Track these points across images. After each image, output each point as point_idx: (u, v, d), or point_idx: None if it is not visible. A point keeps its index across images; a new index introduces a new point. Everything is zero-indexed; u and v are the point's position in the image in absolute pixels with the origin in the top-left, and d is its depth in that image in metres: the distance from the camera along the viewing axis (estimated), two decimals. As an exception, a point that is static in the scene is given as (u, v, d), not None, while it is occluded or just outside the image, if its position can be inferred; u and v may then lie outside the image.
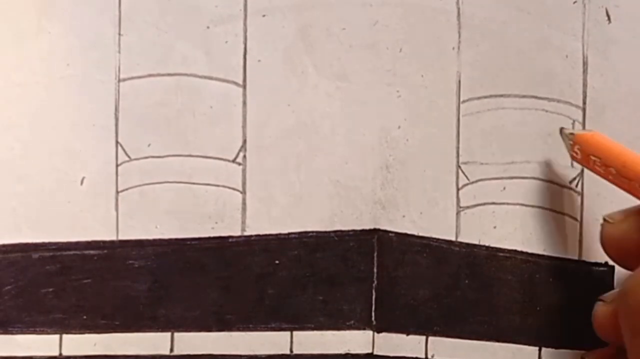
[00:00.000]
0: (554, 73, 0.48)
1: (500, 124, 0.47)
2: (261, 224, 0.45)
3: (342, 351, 0.44)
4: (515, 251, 0.47)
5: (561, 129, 0.46)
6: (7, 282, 0.45)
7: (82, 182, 0.45)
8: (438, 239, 0.46)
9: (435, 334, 0.45)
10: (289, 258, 0.45)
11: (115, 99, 0.46)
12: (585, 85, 0.48)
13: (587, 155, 0.44)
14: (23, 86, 0.46)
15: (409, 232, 0.45)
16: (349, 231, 0.45)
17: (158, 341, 0.45)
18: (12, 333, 0.45)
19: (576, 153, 0.45)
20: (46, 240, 0.45)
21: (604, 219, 0.43)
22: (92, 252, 0.45)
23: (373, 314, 0.44)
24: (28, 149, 0.45)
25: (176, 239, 0.46)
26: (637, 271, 0.36)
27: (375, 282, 0.44)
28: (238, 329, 0.45)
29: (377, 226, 0.45)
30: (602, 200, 0.47)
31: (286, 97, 0.46)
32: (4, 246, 0.45)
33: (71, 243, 0.46)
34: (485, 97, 0.47)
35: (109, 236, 0.46)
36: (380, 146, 0.45)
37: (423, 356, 0.45)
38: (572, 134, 0.45)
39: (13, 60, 0.46)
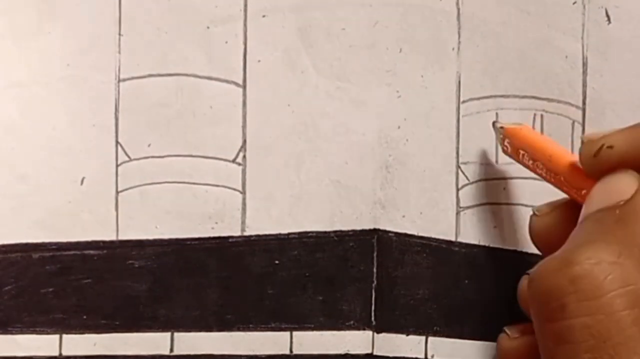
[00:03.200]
0: (554, 73, 0.47)
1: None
2: (261, 224, 0.44)
3: (341, 351, 0.43)
4: (515, 251, 0.46)
5: (493, 123, 0.45)
6: (7, 282, 0.44)
7: (82, 182, 0.45)
8: (438, 239, 0.45)
9: (435, 334, 0.45)
10: (289, 258, 0.44)
11: (115, 99, 0.45)
12: (585, 85, 0.47)
13: (517, 149, 0.43)
14: (23, 86, 0.45)
15: (408, 232, 0.45)
16: (348, 231, 0.44)
17: (158, 341, 0.44)
18: (12, 333, 0.44)
19: (506, 147, 0.44)
20: (46, 240, 0.44)
21: (533, 212, 0.43)
22: (92, 252, 0.45)
23: (373, 314, 0.44)
24: (28, 149, 0.45)
25: (176, 239, 0.45)
26: (545, 259, 0.35)
27: (375, 282, 0.44)
28: (238, 329, 0.44)
29: (377, 226, 0.44)
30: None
31: (286, 97, 0.45)
32: (4, 246, 0.44)
33: (71, 243, 0.45)
34: (485, 97, 0.46)
35: (109, 236, 0.45)
36: (380, 146, 0.44)
37: (423, 357, 0.45)
38: (502, 127, 0.44)
39: (13, 60, 0.45)
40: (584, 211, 0.37)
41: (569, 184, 0.40)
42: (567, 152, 0.42)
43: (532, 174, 0.44)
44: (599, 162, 0.38)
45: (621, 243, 0.34)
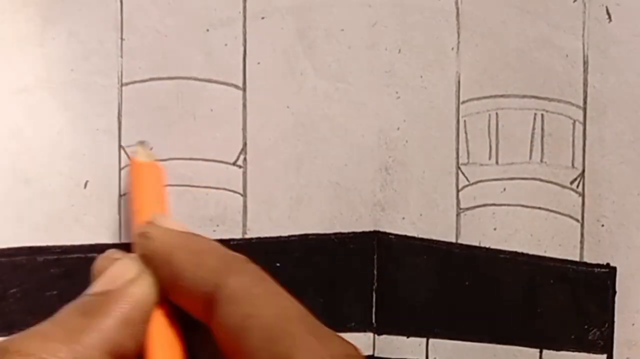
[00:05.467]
0: (554, 72, 0.46)
1: (500, 124, 0.45)
2: (262, 227, 0.44)
3: (342, 353, 0.42)
4: (516, 252, 0.46)
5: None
6: (12, 285, 0.44)
7: (85, 186, 0.44)
8: (438, 241, 0.45)
9: (435, 336, 0.45)
10: (290, 261, 0.44)
11: (118, 103, 0.44)
12: (585, 84, 0.46)
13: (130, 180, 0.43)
14: (27, 91, 0.44)
15: (408, 234, 0.44)
16: (349, 233, 0.44)
17: None
18: None
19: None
20: (50, 243, 0.44)
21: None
22: (95, 255, 0.44)
23: (373, 316, 0.44)
24: (32, 153, 0.44)
25: None
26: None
27: (376, 284, 0.44)
28: (239, 331, 0.43)
29: (377, 228, 0.44)
30: (603, 201, 0.46)
31: (285, 99, 0.44)
32: (8, 249, 0.44)
33: (75, 246, 0.44)
34: (485, 97, 0.45)
35: (112, 239, 0.44)
36: (379, 148, 0.44)
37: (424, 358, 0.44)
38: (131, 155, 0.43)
39: (18, 65, 0.44)
40: None
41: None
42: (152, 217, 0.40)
43: (532, 175, 0.44)
44: (137, 247, 0.38)
45: (69, 340, 0.33)
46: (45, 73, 0.44)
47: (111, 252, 0.39)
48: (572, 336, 0.45)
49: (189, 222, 0.43)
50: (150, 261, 0.37)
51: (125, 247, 0.43)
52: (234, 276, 0.35)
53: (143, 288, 0.36)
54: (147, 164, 0.43)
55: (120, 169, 0.44)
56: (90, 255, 0.44)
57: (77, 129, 0.44)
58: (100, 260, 0.39)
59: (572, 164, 0.46)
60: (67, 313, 0.35)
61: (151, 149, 0.44)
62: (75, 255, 0.44)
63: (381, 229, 0.44)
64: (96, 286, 0.36)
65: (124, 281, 0.36)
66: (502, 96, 0.45)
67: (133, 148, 0.43)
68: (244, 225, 0.44)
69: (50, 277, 0.44)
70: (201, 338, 0.37)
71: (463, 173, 0.45)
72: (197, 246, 0.37)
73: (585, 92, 0.46)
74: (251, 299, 0.34)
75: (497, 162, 0.45)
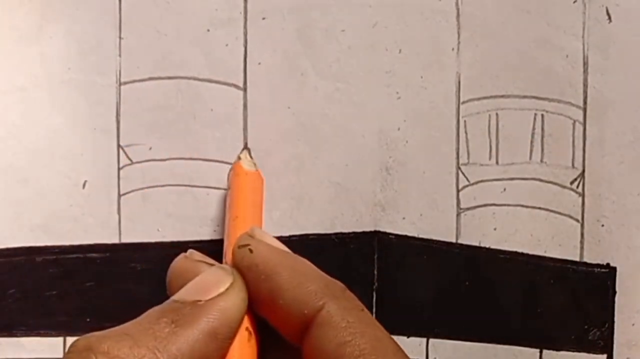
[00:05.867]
0: (554, 73, 0.46)
1: (500, 124, 0.45)
2: (262, 227, 0.43)
3: (343, 353, 0.42)
4: (516, 252, 0.45)
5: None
6: (11, 285, 0.44)
7: (84, 186, 0.44)
8: (438, 241, 0.45)
9: (435, 336, 0.44)
10: None
11: (116, 103, 0.44)
12: (585, 85, 0.46)
13: (230, 184, 0.43)
14: (25, 90, 0.44)
15: (409, 234, 0.44)
16: (349, 233, 0.44)
17: None
18: (17, 336, 0.44)
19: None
20: (49, 243, 0.44)
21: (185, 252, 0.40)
22: (94, 255, 0.44)
23: (374, 316, 0.42)
24: (30, 153, 0.44)
25: (178, 242, 0.44)
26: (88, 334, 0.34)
27: (376, 284, 0.44)
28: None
29: (377, 228, 0.44)
30: (603, 201, 0.46)
31: (286, 99, 0.44)
32: (7, 249, 0.44)
33: (74, 246, 0.44)
34: (485, 97, 0.45)
35: (111, 239, 0.44)
36: (379, 148, 0.44)
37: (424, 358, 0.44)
38: (239, 158, 0.43)
39: (15, 64, 0.44)
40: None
41: (227, 254, 0.39)
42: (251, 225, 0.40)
43: (533, 175, 0.43)
44: (236, 258, 0.37)
45: (157, 348, 0.33)
46: (43, 72, 0.44)
47: (192, 253, 0.39)
48: (572, 336, 0.45)
49: (189, 221, 0.44)
50: (248, 274, 0.36)
51: (125, 247, 0.44)
52: (335, 302, 0.35)
53: (234, 302, 0.35)
54: (250, 172, 0.42)
55: (119, 169, 0.44)
56: (89, 255, 0.44)
57: (75, 128, 0.44)
58: (181, 259, 0.38)
59: (572, 164, 0.45)
60: (156, 317, 0.34)
61: (150, 149, 0.44)
62: (74, 255, 0.44)
63: (381, 229, 0.44)
64: (186, 294, 0.35)
65: (216, 293, 0.35)
66: (502, 96, 0.45)
67: (239, 154, 0.44)
68: (244, 225, 0.44)
69: (49, 277, 0.44)
70: (279, 355, 0.37)
71: (463, 173, 0.45)
72: (299, 267, 0.36)
73: (585, 92, 0.45)
74: (349, 327, 0.34)
75: (497, 162, 0.45)
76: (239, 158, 0.43)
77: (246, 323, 0.36)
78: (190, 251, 0.39)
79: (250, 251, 0.37)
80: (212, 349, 0.34)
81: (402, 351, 0.35)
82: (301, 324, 0.35)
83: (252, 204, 0.41)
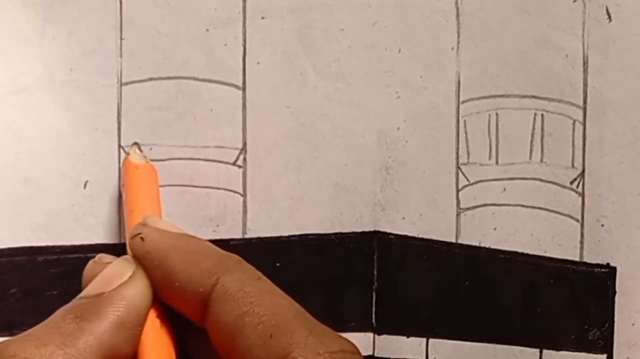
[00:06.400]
0: (554, 73, 0.46)
1: (500, 124, 0.45)
2: (262, 227, 0.44)
3: (342, 353, 0.42)
4: (516, 252, 0.45)
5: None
6: (11, 285, 0.44)
7: (85, 186, 0.44)
8: (438, 241, 0.45)
9: (435, 336, 0.44)
10: (290, 261, 0.44)
11: (117, 103, 0.44)
12: (585, 84, 0.46)
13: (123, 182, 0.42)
14: (27, 91, 0.44)
15: (409, 234, 0.44)
16: (349, 233, 0.44)
17: None
18: None
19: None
20: (50, 243, 0.44)
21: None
22: (95, 255, 0.43)
23: (373, 316, 0.43)
24: (32, 153, 0.44)
25: None
26: None
27: (376, 284, 0.44)
28: (239, 331, 0.43)
29: (377, 228, 0.44)
30: (603, 201, 0.46)
31: (286, 99, 0.44)
32: (8, 249, 0.43)
33: (75, 246, 0.44)
34: (485, 97, 0.45)
35: (112, 239, 0.44)
36: (379, 148, 0.44)
37: (424, 358, 0.44)
38: (127, 154, 0.43)
39: (17, 65, 0.44)
40: None
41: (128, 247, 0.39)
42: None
43: (532, 175, 0.43)
44: (132, 248, 0.37)
45: (64, 344, 0.33)
46: (45, 73, 0.44)
47: (101, 257, 0.39)
48: (572, 336, 0.45)
49: (189, 222, 0.43)
50: (144, 263, 0.36)
51: (126, 247, 0.43)
52: (229, 275, 0.34)
53: (138, 290, 0.36)
54: (141, 165, 0.42)
55: (119, 169, 0.44)
56: (90, 255, 0.43)
57: (76, 129, 0.44)
58: (91, 265, 0.39)
59: (572, 164, 0.45)
60: (62, 316, 0.35)
61: (150, 149, 0.44)
62: (75, 255, 0.44)
63: (381, 229, 0.44)
64: (90, 289, 0.36)
65: (118, 283, 0.35)
66: (502, 95, 0.45)
67: (127, 149, 0.43)
68: (244, 225, 0.44)
69: (50, 277, 0.44)
70: (195, 340, 0.37)
71: (463, 173, 0.45)
72: (191, 247, 0.36)
73: (585, 92, 0.45)
74: (246, 297, 0.34)
75: (497, 162, 0.45)
76: (128, 154, 0.43)
77: (156, 311, 0.36)
78: (99, 255, 0.39)
79: (142, 239, 0.37)
80: (121, 339, 0.34)
81: (304, 312, 0.34)
82: (200, 303, 0.34)
83: (148, 196, 0.41)
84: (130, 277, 0.36)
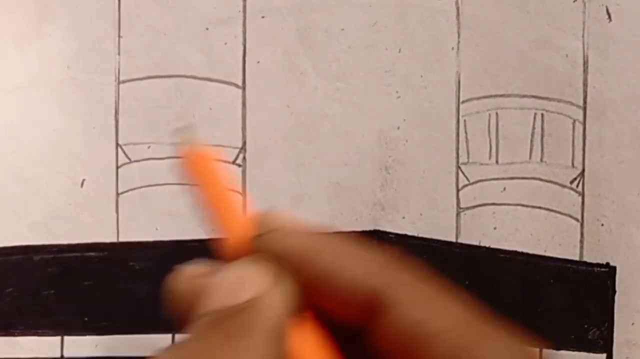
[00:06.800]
0: (554, 72, 0.45)
1: (500, 123, 0.45)
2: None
3: (342, 353, 0.42)
4: (516, 252, 0.45)
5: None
6: (8, 284, 0.44)
7: (82, 185, 0.44)
8: (438, 241, 0.44)
9: None
10: None
11: (115, 101, 0.44)
12: (585, 84, 0.46)
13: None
14: (24, 89, 0.44)
15: (408, 233, 0.44)
16: (349, 232, 0.44)
17: (159, 342, 0.43)
18: (14, 335, 0.44)
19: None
20: (47, 242, 0.44)
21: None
22: (92, 254, 0.44)
23: None
24: (29, 151, 0.44)
25: (176, 241, 0.44)
26: None
27: None
28: (238, 331, 0.43)
29: (377, 227, 0.44)
30: (603, 200, 0.46)
31: (285, 98, 0.44)
32: (5, 248, 0.44)
33: (72, 245, 0.44)
34: (485, 97, 0.45)
35: (109, 237, 0.44)
36: (379, 147, 0.44)
37: None
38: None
39: (14, 63, 0.44)
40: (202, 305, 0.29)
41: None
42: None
43: (532, 174, 0.44)
44: (264, 245, 0.29)
45: None
46: (42, 71, 0.44)
47: (195, 270, 0.30)
48: (572, 336, 0.45)
49: (187, 220, 0.44)
50: (286, 263, 0.29)
51: (124, 246, 0.43)
52: (401, 276, 0.29)
53: (285, 295, 0.29)
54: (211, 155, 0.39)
55: (117, 168, 0.44)
56: (87, 254, 0.44)
57: (73, 127, 0.44)
58: (183, 281, 0.30)
59: (572, 164, 0.45)
60: (202, 338, 0.28)
61: (148, 147, 0.44)
62: (72, 254, 0.44)
63: (381, 229, 0.44)
64: (218, 303, 0.28)
65: (258, 290, 0.28)
66: (502, 95, 0.45)
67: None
68: (243, 224, 0.44)
69: (47, 276, 0.44)
70: (353, 345, 0.33)
71: (463, 173, 0.45)
72: (341, 246, 0.30)
73: (585, 92, 0.45)
74: (424, 301, 0.29)
75: (497, 162, 0.45)
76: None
77: (305, 315, 0.30)
78: (188, 267, 0.30)
79: (284, 235, 0.30)
80: (276, 351, 0.27)
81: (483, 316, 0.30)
82: (362, 308, 0.29)
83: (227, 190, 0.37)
84: (273, 281, 0.29)
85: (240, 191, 0.44)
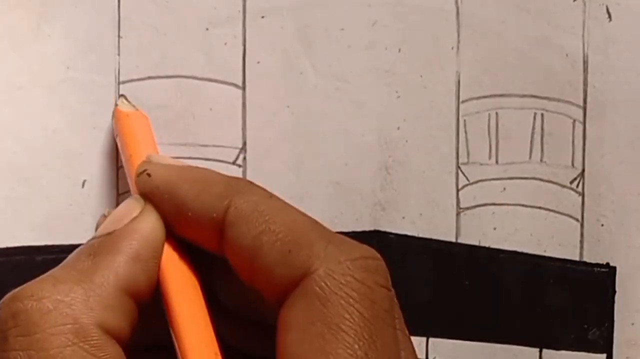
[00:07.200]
0: (554, 72, 0.45)
1: (500, 123, 0.45)
2: None
3: (342, 353, 0.42)
4: (516, 252, 0.45)
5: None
6: (10, 285, 0.42)
7: (83, 185, 0.43)
8: (438, 241, 0.44)
9: (435, 335, 0.45)
10: None
11: (115, 102, 0.43)
12: (585, 84, 0.45)
13: (116, 133, 0.42)
14: (23, 89, 0.43)
15: (409, 233, 0.44)
16: (349, 232, 0.43)
17: None
18: None
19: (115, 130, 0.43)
20: (49, 243, 0.43)
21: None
22: None
23: None
24: (29, 152, 0.43)
25: None
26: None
27: None
28: (239, 331, 0.43)
29: (377, 228, 0.44)
30: (603, 200, 0.46)
31: (285, 98, 0.44)
32: (6, 249, 0.43)
33: (74, 246, 0.42)
34: (485, 96, 0.45)
35: (111, 238, 0.43)
36: (379, 147, 0.44)
37: (424, 358, 0.44)
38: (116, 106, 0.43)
39: (13, 63, 0.44)
40: None
41: (132, 189, 0.39)
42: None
43: (532, 175, 0.43)
44: (139, 186, 0.37)
45: (80, 280, 0.33)
46: (41, 71, 0.43)
47: (110, 209, 0.39)
48: (572, 336, 0.45)
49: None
50: (153, 198, 0.36)
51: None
52: (240, 197, 0.34)
53: (149, 224, 0.35)
54: (132, 112, 0.42)
55: (118, 168, 0.43)
56: (88, 254, 0.44)
57: (74, 127, 0.43)
58: (101, 217, 0.39)
59: (572, 164, 0.45)
60: (76, 256, 0.35)
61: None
62: (73, 254, 0.44)
63: (381, 229, 0.44)
64: (101, 229, 0.36)
65: (128, 220, 0.35)
66: (502, 95, 0.45)
67: (115, 101, 0.43)
68: (244, 224, 0.44)
69: (49, 276, 0.43)
70: (216, 271, 0.37)
71: (463, 173, 0.45)
72: (199, 176, 0.36)
73: (585, 92, 0.45)
74: (260, 216, 0.34)
75: (497, 162, 0.45)
76: (116, 104, 0.42)
77: (172, 245, 0.36)
78: (107, 209, 0.40)
79: (149, 175, 0.37)
80: (137, 271, 0.34)
81: (320, 225, 0.34)
82: (215, 230, 0.34)
83: (144, 141, 0.41)
84: (141, 212, 0.36)
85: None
